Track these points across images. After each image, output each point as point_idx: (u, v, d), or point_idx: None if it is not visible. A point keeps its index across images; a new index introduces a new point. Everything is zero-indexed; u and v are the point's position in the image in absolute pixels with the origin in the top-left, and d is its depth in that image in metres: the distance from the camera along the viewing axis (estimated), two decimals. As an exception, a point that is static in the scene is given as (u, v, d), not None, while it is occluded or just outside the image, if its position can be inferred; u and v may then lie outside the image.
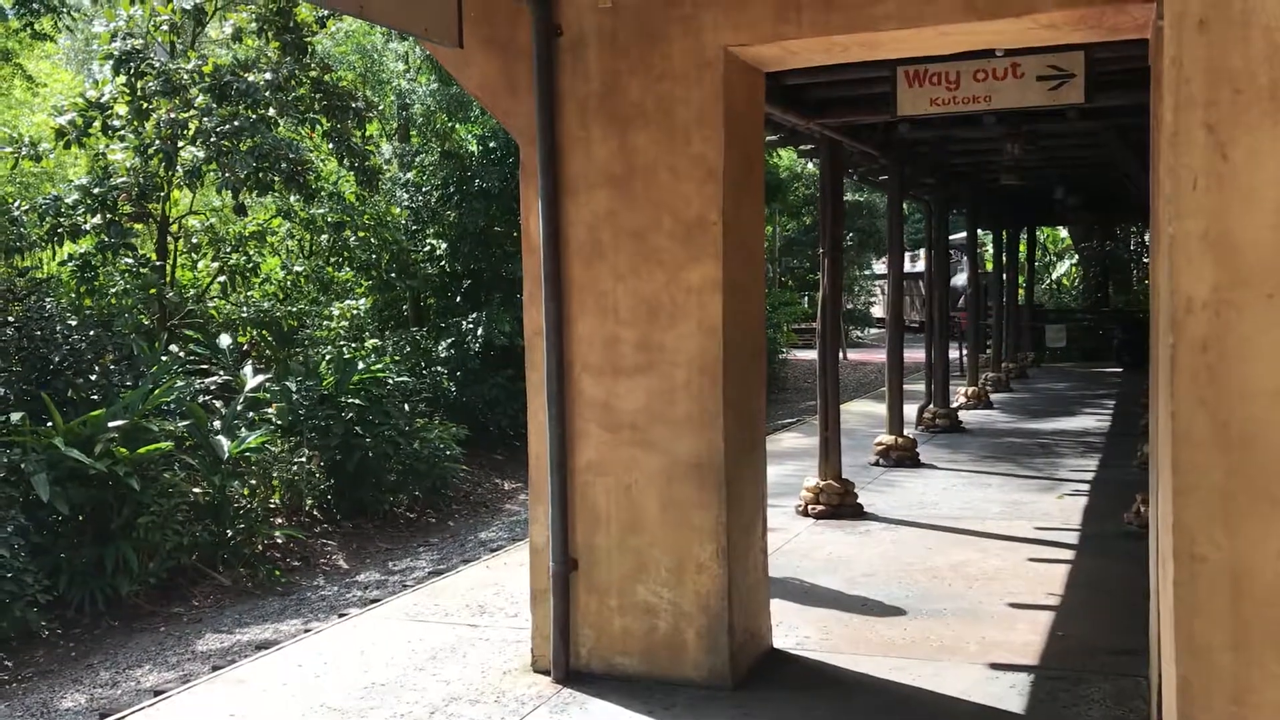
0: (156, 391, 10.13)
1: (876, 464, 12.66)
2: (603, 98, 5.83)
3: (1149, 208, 6.06)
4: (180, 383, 11.03)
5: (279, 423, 11.91)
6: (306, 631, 7.79)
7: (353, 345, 14.73)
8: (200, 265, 15.13)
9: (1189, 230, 2.02)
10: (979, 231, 20.23)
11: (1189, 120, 1.98)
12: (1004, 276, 22.54)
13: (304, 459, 11.73)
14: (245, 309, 14.39)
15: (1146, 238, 28.63)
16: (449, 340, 16.16)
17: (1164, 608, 2.33)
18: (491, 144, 17.03)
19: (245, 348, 14.40)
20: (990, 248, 22.25)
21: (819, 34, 5.49)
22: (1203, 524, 2.02)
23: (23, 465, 8.63)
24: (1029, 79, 7.78)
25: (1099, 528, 9.52)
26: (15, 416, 9.09)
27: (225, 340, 13.00)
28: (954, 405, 16.47)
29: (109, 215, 12.87)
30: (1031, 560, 8.46)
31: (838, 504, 10.05)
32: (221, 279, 14.50)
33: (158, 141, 12.60)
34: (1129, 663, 6.06)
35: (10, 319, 10.02)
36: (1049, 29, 5.38)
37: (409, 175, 17.62)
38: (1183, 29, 2.04)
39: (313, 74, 13.65)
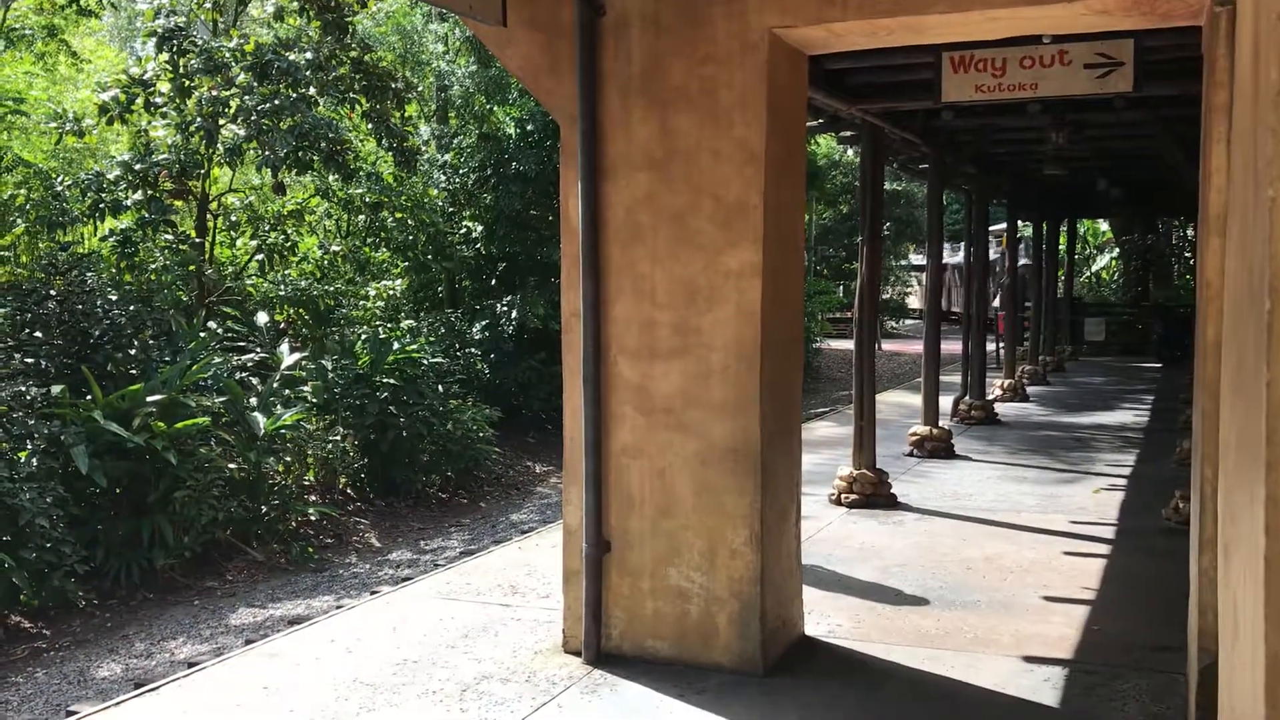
0: (194, 367, 10.22)
1: (910, 454, 12.57)
2: (644, 79, 5.78)
3: (1196, 199, 5.96)
4: (218, 359, 11.12)
5: (314, 401, 11.99)
6: (339, 608, 7.84)
7: (388, 325, 14.79)
8: (239, 243, 15.23)
9: None
10: (1019, 223, 20.03)
11: (1297, 78, 1.90)
12: (1043, 268, 22.30)
13: (338, 437, 11.81)
14: (282, 287, 14.49)
15: (1189, 232, 28.25)
16: (483, 323, 16.21)
17: (1247, 585, 2.25)
18: (529, 127, 17.01)
19: (282, 326, 14.49)
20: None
21: (864, 17, 5.42)
22: None
23: (62, 437, 8.72)
24: (1076, 66, 7.64)
25: (1136, 523, 9.41)
26: (56, 389, 9.19)
27: (262, 318, 13.10)
28: (990, 397, 16.32)
29: (150, 192, 12.97)
30: (1067, 554, 8.37)
31: (871, 493, 9.98)
32: (259, 257, 14.60)
33: (199, 119, 12.68)
34: (1166, 659, 5.99)
35: (52, 293, 10.13)
36: (1101, 15, 5.29)
37: (447, 157, 17.64)
38: (1291, -19, 1.95)
39: (353, 54, 13.68)
